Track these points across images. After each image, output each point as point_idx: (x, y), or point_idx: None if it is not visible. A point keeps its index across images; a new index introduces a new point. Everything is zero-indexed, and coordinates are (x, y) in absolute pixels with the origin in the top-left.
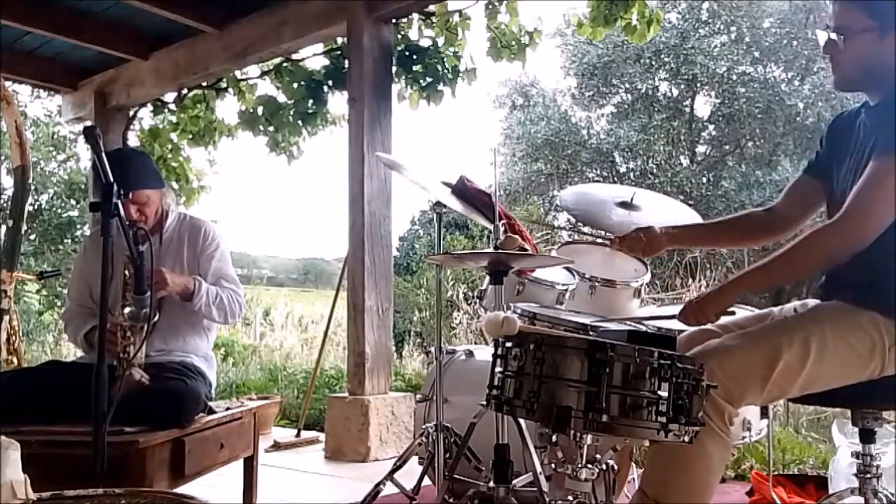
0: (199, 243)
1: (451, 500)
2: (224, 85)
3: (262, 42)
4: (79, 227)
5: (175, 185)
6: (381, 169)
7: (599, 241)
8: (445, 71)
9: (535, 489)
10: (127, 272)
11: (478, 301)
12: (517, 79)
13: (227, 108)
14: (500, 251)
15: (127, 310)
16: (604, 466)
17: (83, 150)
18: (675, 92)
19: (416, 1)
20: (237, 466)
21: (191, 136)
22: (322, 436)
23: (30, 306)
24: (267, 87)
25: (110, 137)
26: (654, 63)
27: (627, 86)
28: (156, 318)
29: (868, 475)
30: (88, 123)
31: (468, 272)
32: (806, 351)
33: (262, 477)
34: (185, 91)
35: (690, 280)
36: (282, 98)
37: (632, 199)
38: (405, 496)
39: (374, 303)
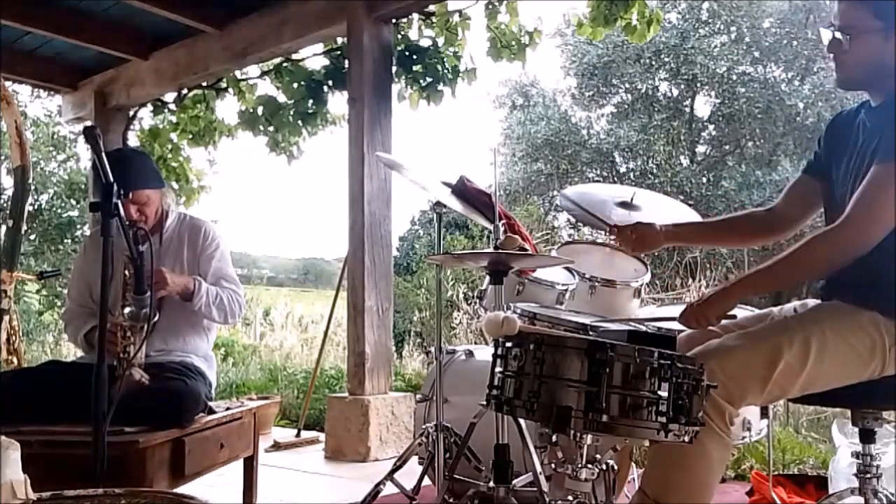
0: (199, 243)
1: (451, 500)
2: (224, 85)
3: (262, 42)
4: (79, 227)
5: (175, 185)
6: (381, 169)
7: (600, 241)
8: (445, 71)
9: (535, 489)
10: (127, 272)
11: (478, 301)
12: (517, 79)
13: (227, 108)
14: (500, 251)
15: (127, 310)
16: (604, 466)
17: (83, 150)
18: (675, 92)
19: (416, 1)
20: (237, 466)
21: (191, 136)
22: (322, 436)
23: (30, 306)
24: (267, 87)
25: (110, 137)
26: (654, 63)
27: (627, 86)
28: (156, 318)
29: (868, 475)
30: (88, 123)
31: (468, 272)
32: (806, 351)
33: (262, 477)
34: (185, 91)
35: (690, 280)
36: (282, 98)
37: (632, 199)
38: (405, 496)
39: (374, 303)
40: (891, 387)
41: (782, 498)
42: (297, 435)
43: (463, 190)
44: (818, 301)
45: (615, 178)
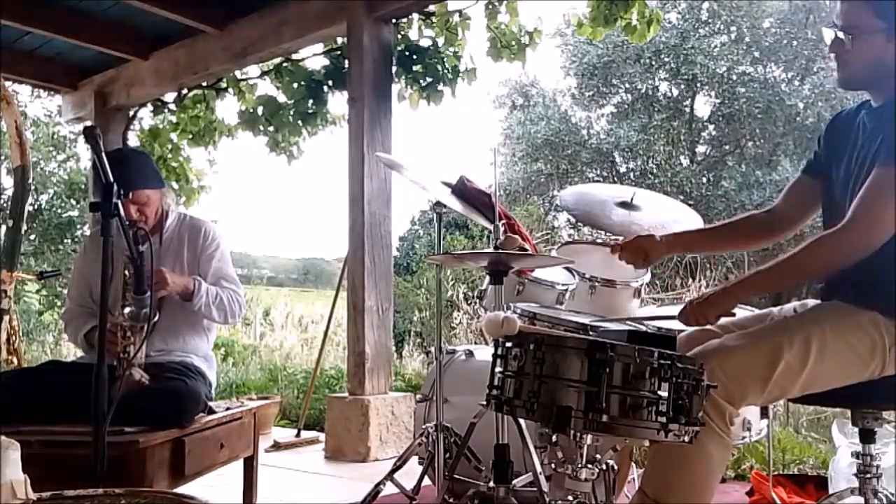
0: (200, 243)
1: (451, 500)
2: (224, 85)
3: (262, 42)
4: (79, 227)
5: (175, 185)
6: (381, 169)
7: (600, 241)
8: (445, 71)
9: (535, 489)
10: (127, 272)
11: (478, 301)
12: (517, 79)
13: (227, 108)
14: (500, 251)
15: (127, 310)
16: (604, 466)
17: (83, 150)
18: (675, 92)
19: (416, 1)
20: (237, 466)
21: (191, 136)
22: (322, 436)
23: (30, 306)
24: (267, 87)
25: (110, 137)
26: (654, 63)
27: (627, 86)
28: (156, 318)
29: (868, 475)
30: (88, 123)
31: (468, 272)
32: (806, 351)
33: (262, 477)
34: (185, 91)
35: (690, 280)
36: (282, 98)
37: (632, 199)
38: (405, 496)
39: (374, 303)
40: (891, 387)
41: (782, 498)
42: (297, 435)
43: (463, 190)
44: (818, 301)
45: (615, 179)
